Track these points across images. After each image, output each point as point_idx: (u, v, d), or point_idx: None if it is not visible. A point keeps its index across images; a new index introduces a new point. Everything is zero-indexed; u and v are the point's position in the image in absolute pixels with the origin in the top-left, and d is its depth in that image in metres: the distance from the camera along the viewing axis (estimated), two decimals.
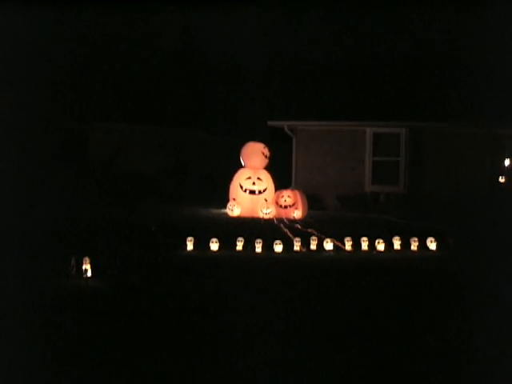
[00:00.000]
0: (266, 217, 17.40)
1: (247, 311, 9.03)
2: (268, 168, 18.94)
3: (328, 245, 13.93)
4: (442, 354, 7.42)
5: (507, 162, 20.35)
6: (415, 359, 7.24)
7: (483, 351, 7.48)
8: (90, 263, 10.90)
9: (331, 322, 8.67)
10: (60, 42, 27.48)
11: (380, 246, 14.01)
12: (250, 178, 18.52)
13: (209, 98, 31.50)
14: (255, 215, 17.64)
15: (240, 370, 6.80)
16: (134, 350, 7.33)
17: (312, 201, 19.38)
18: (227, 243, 13.75)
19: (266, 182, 18.58)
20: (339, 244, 13.98)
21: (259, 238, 13.79)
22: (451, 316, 9.10)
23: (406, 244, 14.26)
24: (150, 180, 24.90)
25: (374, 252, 13.90)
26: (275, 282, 11.03)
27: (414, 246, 14.19)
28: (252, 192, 18.43)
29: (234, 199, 18.39)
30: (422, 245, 14.26)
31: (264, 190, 18.45)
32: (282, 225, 15.90)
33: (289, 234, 14.64)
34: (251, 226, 15.62)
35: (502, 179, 20.11)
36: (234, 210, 18.07)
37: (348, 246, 13.98)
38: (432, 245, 14.22)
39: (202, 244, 13.67)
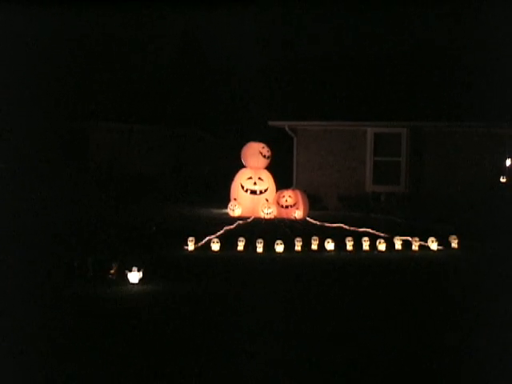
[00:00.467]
0: (267, 217, 17.38)
1: (248, 311, 9.02)
2: (269, 168, 18.93)
3: (329, 245, 13.92)
4: (442, 353, 7.40)
5: (508, 162, 20.34)
6: (416, 358, 7.22)
7: (485, 350, 7.47)
8: (92, 263, 10.90)
9: (332, 321, 8.66)
10: (60, 42, 27.45)
11: (381, 246, 14.00)
12: (251, 178, 18.51)
13: (209, 98, 31.47)
14: (256, 215, 17.62)
15: (241, 370, 6.79)
16: (134, 350, 7.32)
17: (313, 201, 19.37)
18: (228, 243, 13.74)
19: (267, 181, 18.56)
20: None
21: (260, 237, 13.78)
22: (453, 315, 9.08)
23: (407, 244, 14.25)
24: (150, 180, 24.89)
25: (375, 252, 13.89)
26: (276, 281, 11.01)
27: (415, 245, 14.18)
28: (253, 192, 18.42)
29: (235, 199, 18.37)
30: (423, 245, 14.25)
31: (265, 190, 18.44)
32: (282, 225, 15.88)
33: (290, 233, 14.64)
34: (252, 226, 15.62)
35: (503, 179, 20.09)
36: (235, 210, 18.06)
37: (349, 245, 13.97)
38: (433, 245, 14.20)
39: (202, 244, 13.67)
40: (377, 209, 19.72)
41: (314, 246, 13.92)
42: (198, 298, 9.82)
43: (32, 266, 11.44)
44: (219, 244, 13.60)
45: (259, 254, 13.45)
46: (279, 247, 13.64)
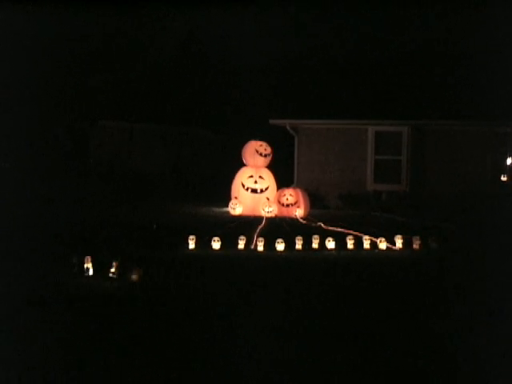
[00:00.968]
0: (268, 215, 17.38)
1: (249, 310, 9.03)
2: (270, 166, 18.93)
3: (330, 243, 13.92)
4: (442, 352, 7.41)
5: (509, 161, 20.33)
6: (416, 357, 7.23)
7: (484, 349, 7.47)
8: (92, 262, 10.91)
9: (333, 320, 8.66)
10: (61, 41, 27.46)
11: (382, 245, 14.00)
12: (251, 176, 18.52)
13: (211, 96, 31.47)
14: (257, 214, 17.63)
15: (242, 368, 6.80)
16: (135, 349, 7.33)
17: (314, 199, 19.37)
18: (229, 242, 13.74)
19: (268, 180, 18.57)
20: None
21: (261, 236, 13.79)
22: (454, 314, 9.09)
23: (407, 242, 14.25)
24: (151, 178, 24.90)
25: (376, 250, 13.88)
26: (277, 280, 11.02)
27: (415, 244, 14.17)
28: (254, 191, 18.43)
29: (235, 198, 18.39)
30: (424, 243, 14.24)
31: (266, 189, 18.45)
32: (283, 223, 15.89)
33: (290, 232, 14.64)
34: (253, 225, 15.63)
35: (503, 177, 20.09)
36: (236, 208, 18.07)
37: (350, 244, 13.97)
38: (434, 243, 14.20)
39: (203, 243, 13.67)
40: (378, 207, 19.72)
41: (315, 245, 13.92)
42: (198, 296, 9.83)
43: (32, 265, 11.46)
44: (220, 243, 13.60)
45: (260, 252, 13.45)
46: (280, 246, 13.64)
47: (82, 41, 28.42)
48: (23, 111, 25.18)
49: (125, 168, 25.13)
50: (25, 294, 9.61)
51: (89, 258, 10.90)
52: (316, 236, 14.07)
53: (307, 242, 13.90)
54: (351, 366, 6.92)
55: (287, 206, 17.73)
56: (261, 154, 18.64)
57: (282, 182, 19.30)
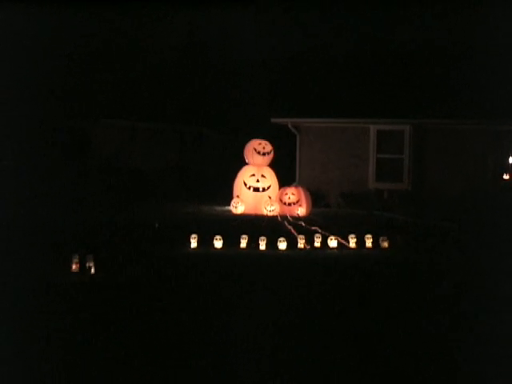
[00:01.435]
0: (270, 214, 17.35)
1: (251, 308, 9.01)
2: (272, 165, 18.90)
3: (332, 242, 13.91)
4: (443, 352, 7.39)
5: (511, 160, 20.29)
6: (418, 356, 7.21)
7: (484, 349, 7.45)
8: (94, 260, 10.90)
9: (335, 318, 8.64)
10: (61, 41, 27.44)
11: (384, 243, 13.98)
12: (253, 175, 18.48)
13: (212, 95, 31.45)
14: (259, 212, 17.60)
15: (243, 367, 6.77)
16: (136, 347, 7.31)
17: (316, 198, 19.34)
18: (231, 241, 13.72)
19: (270, 179, 18.54)
20: (343, 241, 13.96)
21: (263, 235, 13.77)
22: (456, 312, 9.07)
23: (409, 241, 14.23)
24: (153, 177, 24.87)
25: (378, 249, 13.87)
26: (279, 279, 11.00)
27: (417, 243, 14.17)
28: (256, 189, 18.40)
29: (237, 196, 18.35)
30: (425, 242, 14.23)
31: (268, 188, 18.42)
32: (285, 222, 15.86)
33: (293, 231, 14.61)
34: (255, 224, 15.61)
35: (506, 176, 20.05)
36: (238, 207, 18.04)
37: (352, 243, 13.95)
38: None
39: (205, 241, 13.66)
40: (379, 206, 19.68)
41: (317, 244, 13.91)
42: (200, 295, 9.81)
43: (33, 264, 11.44)
44: (222, 241, 13.59)
45: (262, 251, 13.44)
46: (282, 244, 13.63)
47: (83, 40, 28.40)
48: (23, 111, 25.14)
49: (126, 167, 25.10)
50: (24, 293, 9.59)
51: (91, 257, 10.90)
52: (318, 235, 14.06)
53: (309, 241, 13.90)
54: (353, 366, 6.89)
55: (289, 204, 17.69)
56: (259, 153, 18.59)
57: (284, 181, 19.26)
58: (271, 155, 18.69)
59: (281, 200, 17.82)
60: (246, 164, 18.87)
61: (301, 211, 17.49)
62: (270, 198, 18.03)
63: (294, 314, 8.83)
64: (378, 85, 22.52)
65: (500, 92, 19.79)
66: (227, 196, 18.85)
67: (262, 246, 13.57)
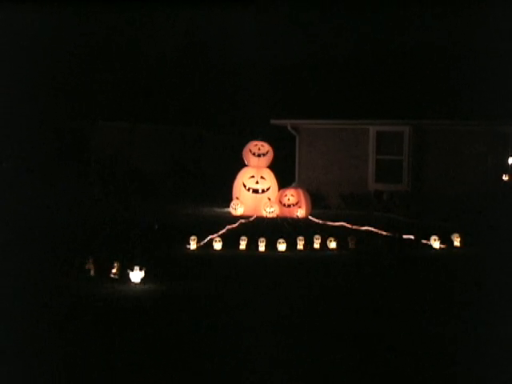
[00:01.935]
0: (270, 216, 17.35)
1: (250, 310, 9.01)
2: (271, 167, 18.89)
3: (331, 243, 13.91)
4: (442, 352, 7.40)
5: (511, 160, 20.29)
6: (418, 356, 7.21)
7: (485, 349, 7.46)
8: (93, 263, 10.90)
9: (335, 319, 8.64)
10: (61, 41, 27.45)
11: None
12: (253, 176, 18.47)
13: (212, 96, 31.46)
14: (258, 214, 17.59)
15: (244, 367, 6.77)
16: (136, 349, 7.31)
17: (316, 199, 19.34)
18: (230, 242, 13.72)
19: (270, 180, 18.53)
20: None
21: (263, 236, 13.77)
22: (456, 312, 9.07)
23: (408, 242, 14.23)
24: (152, 179, 24.86)
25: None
26: (278, 280, 11.00)
27: (417, 244, 14.16)
28: (255, 191, 18.39)
29: (237, 198, 18.35)
30: (426, 243, 14.24)
31: (267, 189, 18.41)
32: (285, 223, 15.86)
33: (292, 232, 14.62)
34: (255, 225, 15.61)
35: (505, 177, 20.06)
36: (238, 208, 18.03)
37: (351, 244, 13.96)
38: (435, 243, 14.19)
39: (205, 243, 13.66)
40: (379, 207, 19.68)
41: (317, 245, 13.91)
42: (200, 296, 9.82)
43: (34, 266, 11.44)
44: (221, 243, 13.59)
45: (261, 252, 13.44)
46: (281, 246, 13.63)
47: (82, 40, 28.40)
48: (23, 111, 25.15)
49: (125, 168, 25.10)
50: (25, 294, 9.60)
51: (90, 259, 10.89)
52: (317, 236, 14.06)
53: (309, 243, 13.90)
54: (353, 366, 6.89)
55: (289, 206, 17.69)
56: (254, 154, 18.56)
57: (284, 183, 19.24)
58: (267, 156, 18.61)
59: (280, 201, 17.81)
60: (245, 165, 18.86)
61: (300, 213, 17.49)
62: (269, 199, 18.02)
63: (293, 314, 8.84)
64: (378, 86, 22.52)
65: (499, 92, 19.79)
66: (227, 198, 18.85)
67: (262, 247, 13.57)
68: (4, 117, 23.84)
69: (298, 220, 16.70)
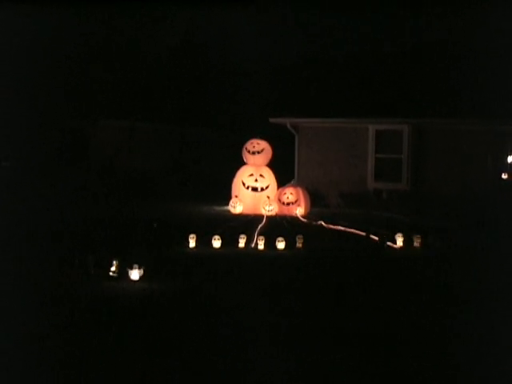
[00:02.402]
0: (269, 214, 17.36)
1: (249, 308, 9.02)
2: (271, 165, 18.91)
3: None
4: (443, 351, 7.41)
5: (510, 159, 20.30)
6: (418, 355, 7.22)
7: (485, 349, 7.47)
8: (93, 261, 10.90)
9: (334, 318, 8.65)
10: (61, 41, 27.46)
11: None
12: (252, 175, 18.50)
13: (211, 95, 31.47)
14: (258, 212, 17.61)
15: (242, 367, 6.78)
16: (135, 347, 7.32)
17: (315, 198, 19.36)
18: (229, 240, 13.72)
19: (269, 179, 18.55)
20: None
21: (261, 235, 13.78)
22: (456, 312, 9.08)
23: (408, 241, 14.23)
24: (152, 177, 24.88)
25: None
26: (277, 279, 11.00)
27: (416, 242, 14.15)
28: (254, 189, 18.42)
29: (236, 196, 18.37)
30: (425, 242, 14.24)
31: (266, 187, 18.43)
32: (284, 222, 15.88)
33: (291, 230, 14.64)
34: (254, 223, 15.62)
35: (504, 176, 20.06)
36: (237, 207, 18.05)
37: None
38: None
39: (204, 241, 13.66)
40: (378, 206, 19.70)
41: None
42: (199, 295, 9.83)
43: (33, 264, 11.45)
44: (220, 241, 13.59)
45: (260, 251, 13.45)
46: (280, 244, 13.63)
47: (82, 40, 28.41)
48: (23, 111, 25.18)
49: (125, 167, 25.12)
50: (24, 293, 9.61)
51: (89, 257, 10.90)
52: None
53: (308, 241, 13.91)
54: (353, 366, 6.90)
55: (288, 204, 17.72)
56: (249, 152, 18.59)
57: (283, 181, 19.27)
58: (263, 154, 18.59)
59: (279, 200, 17.84)
60: (244, 164, 18.89)
61: (299, 211, 17.51)
62: (268, 197, 18.05)
63: (292, 313, 8.84)
64: (377, 84, 22.53)
65: (499, 92, 19.78)
66: (226, 196, 18.86)
67: (261, 245, 13.58)
68: (4, 117, 23.85)
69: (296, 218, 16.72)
